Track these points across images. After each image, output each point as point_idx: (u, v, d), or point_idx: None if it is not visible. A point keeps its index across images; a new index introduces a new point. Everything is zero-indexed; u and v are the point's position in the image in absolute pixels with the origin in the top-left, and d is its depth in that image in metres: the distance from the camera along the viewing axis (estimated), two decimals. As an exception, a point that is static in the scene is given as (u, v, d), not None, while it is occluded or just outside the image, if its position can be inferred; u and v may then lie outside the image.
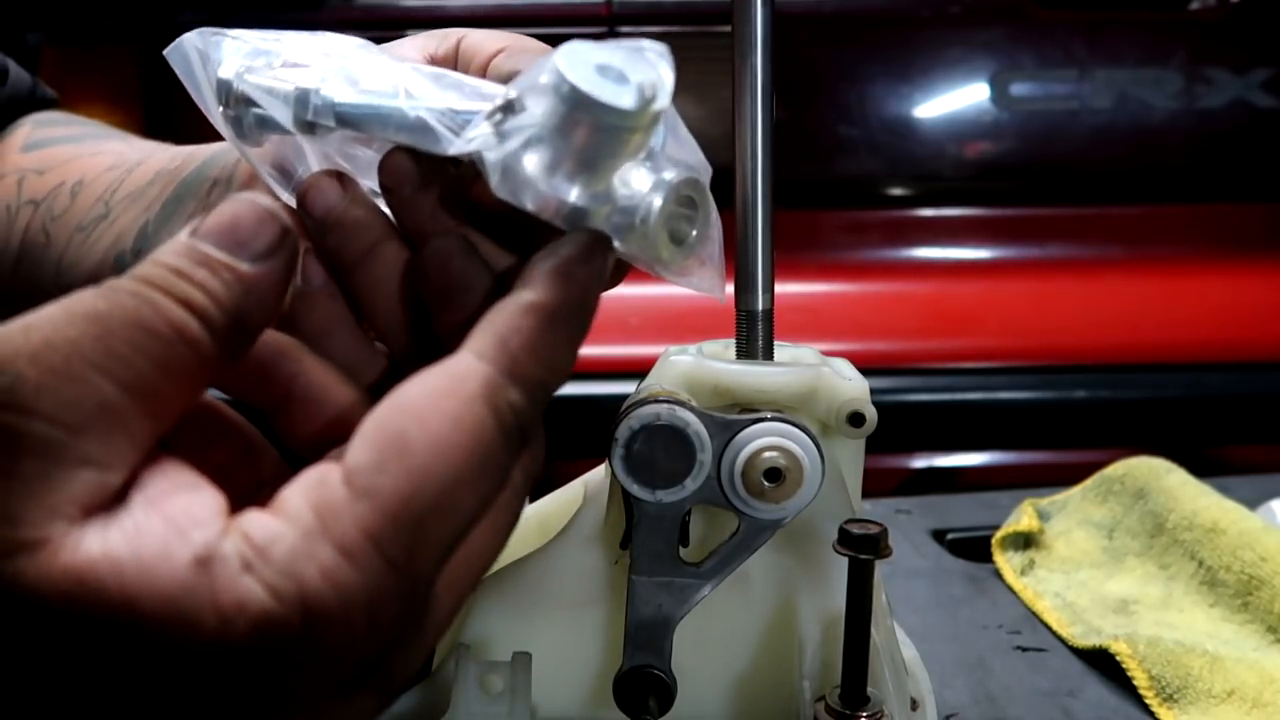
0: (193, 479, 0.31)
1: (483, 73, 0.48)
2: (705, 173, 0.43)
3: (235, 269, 0.31)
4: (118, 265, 0.55)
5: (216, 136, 0.48)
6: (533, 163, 0.38)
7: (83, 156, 0.63)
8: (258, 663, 0.29)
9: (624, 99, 0.37)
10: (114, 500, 0.29)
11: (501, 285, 0.38)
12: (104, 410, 0.28)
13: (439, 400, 0.31)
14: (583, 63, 0.38)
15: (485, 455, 0.32)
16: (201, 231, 0.32)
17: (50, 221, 0.60)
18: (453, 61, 0.50)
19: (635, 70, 0.38)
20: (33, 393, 0.27)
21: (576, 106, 0.37)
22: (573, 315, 0.35)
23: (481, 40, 0.49)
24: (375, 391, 0.36)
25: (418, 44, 0.51)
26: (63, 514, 0.28)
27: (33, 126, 0.68)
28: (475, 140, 0.39)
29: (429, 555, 0.31)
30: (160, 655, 0.28)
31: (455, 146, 0.40)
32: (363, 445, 0.31)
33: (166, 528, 0.29)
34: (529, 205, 0.38)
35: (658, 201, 0.40)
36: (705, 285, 0.44)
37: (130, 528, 0.28)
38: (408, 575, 0.30)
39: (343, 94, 0.43)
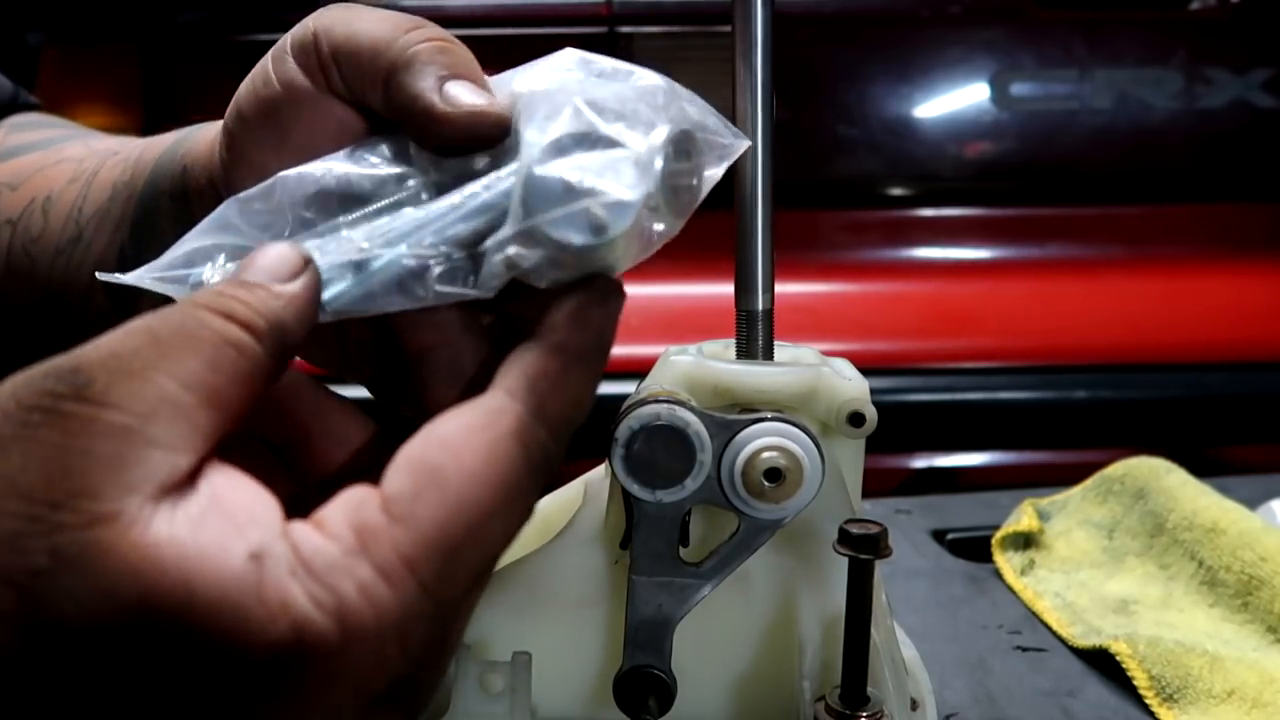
0: (254, 483, 0.33)
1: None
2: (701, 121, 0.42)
3: (269, 287, 0.35)
4: (109, 292, 0.56)
5: None
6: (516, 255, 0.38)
7: (47, 167, 0.62)
8: (293, 663, 0.30)
9: (572, 234, 0.37)
10: (183, 484, 0.31)
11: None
12: (166, 400, 0.31)
13: (473, 436, 0.34)
14: (554, 147, 0.37)
15: (515, 490, 0.34)
16: (234, 267, 0.36)
17: (30, 244, 0.60)
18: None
19: (604, 177, 0.37)
20: (104, 388, 0.31)
21: (532, 232, 0.37)
22: (592, 356, 0.38)
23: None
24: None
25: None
26: (137, 490, 0.30)
27: (7, 131, 0.68)
28: (469, 287, 0.39)
29: (459, 581, 0.33)
30: (205, 638, 0.30)
31: (447, 297, 0.39)
32: (400, 474, 0.33)
33: (226, 521, 0.31)
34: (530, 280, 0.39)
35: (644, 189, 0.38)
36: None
37: (195, 514, 0.31)
38: (438, 599, 0.32)
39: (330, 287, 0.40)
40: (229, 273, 0.41)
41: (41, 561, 0.29)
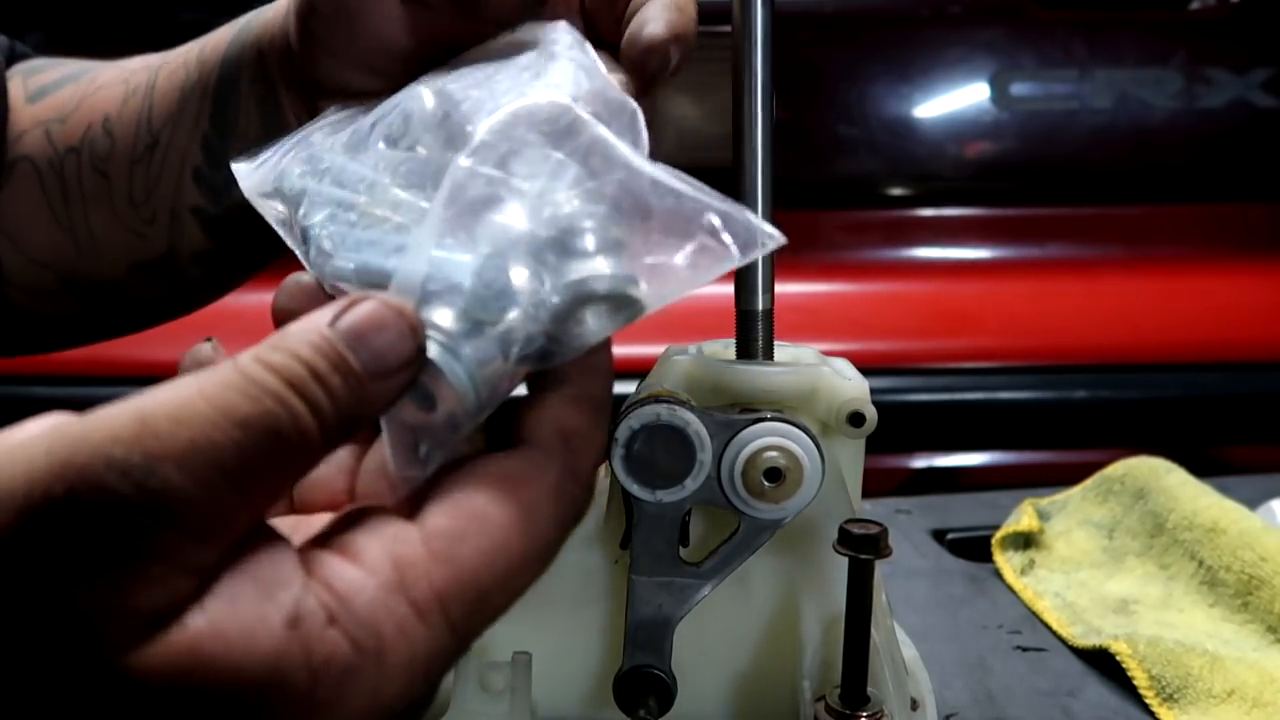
0: (266, 533, 0.32)
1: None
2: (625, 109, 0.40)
3: (364, 382, 0.31)
4: (199, 181, 0.58)
5: None
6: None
7: (89, 96, 0.63)
8: (338, 707, 0.31)
9: (448, 408, 0.34)
10: (208, 584, 0.31)
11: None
12: (228, 521, 0.30)
13: (516, 489, 0.34)
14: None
15: (548, 544, 0.35)
16: (343, 329, 0.31)
17: (101, 163, 0.60)
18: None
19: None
20: (175, 503, 0.28)
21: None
22: (609, 401, 0.38)
23: None
24: None
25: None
26: (175, 605, 0.29)
27: (24, 76, 0.68)
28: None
29: (483, 623, 0.34)
30: (262, 712, 0.30)
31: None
32: (443, 514, 0.33)
33: (257, 591, 0.30)
34: None
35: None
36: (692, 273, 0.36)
37: (227, 596, 0.30)
38: (463, 637, 0.33)
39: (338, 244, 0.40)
40: (338, 270, 0.38)
41: (82, 684, 0.28)
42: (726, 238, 0.35)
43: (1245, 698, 0.65)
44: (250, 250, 0.60)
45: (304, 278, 0.42)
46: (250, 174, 0.48)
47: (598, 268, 0.34)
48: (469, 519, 0.33)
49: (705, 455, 0.50)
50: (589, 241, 0.35)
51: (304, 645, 0.30)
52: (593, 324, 0.34)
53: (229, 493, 0.29)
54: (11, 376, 1.32)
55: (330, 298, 0.40)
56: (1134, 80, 1.64)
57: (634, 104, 0.40)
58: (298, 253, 0.43)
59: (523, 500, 0.34)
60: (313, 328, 0.31)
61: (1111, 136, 1.65)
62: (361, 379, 0.31)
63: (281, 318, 0.41)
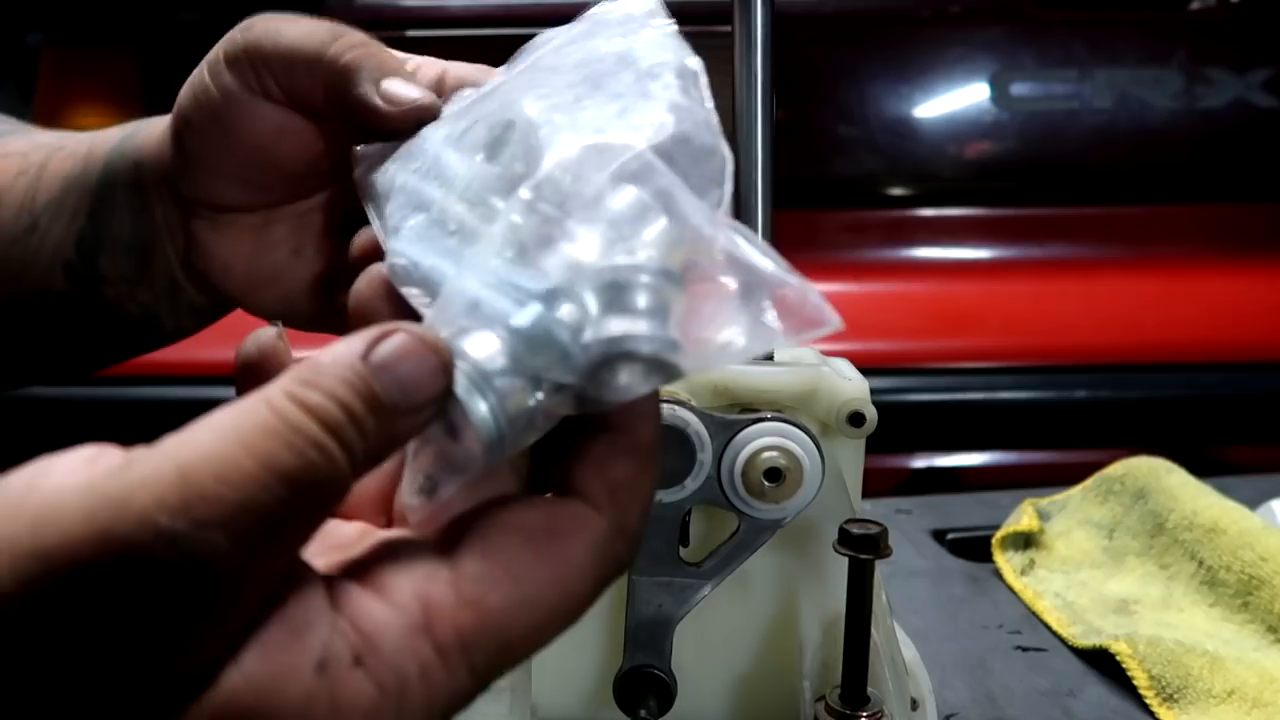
0: (295, 570, 0.32)
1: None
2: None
3: (394, 420, 0.31)
4: (69, 274, 0.58)
5: None
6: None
7: None
8: None
9: (470, 444, 0.32)
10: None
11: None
12: (268, 580, 0.29)
13: (556, 541, 0.33)
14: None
15: (582, 599, 0.34)
16: (376, 364, 0.31)
17: None
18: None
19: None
20: (223, 570, 0.28)
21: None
22: (658, 448, 0.36)
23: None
24: None
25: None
26: (214, 664, 0.29)
27: None
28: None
29: (504, 669, 0.33)
30: None
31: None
32: (476, 558, 0.33)
33: (287, 635, 0.30)
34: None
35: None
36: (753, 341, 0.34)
37: (258, 645, 0.30)
38: (482, 682, 0.33)
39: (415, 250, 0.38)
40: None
41: None
42: (785, 321, 0.34)
43: (1245, 698, 0.65)
44: (117, 343, 0.60)
45: (381, 269, 0.41)
46: (368, 155, 0.47)
47: (639, 329, 0.33)
48: (504, 567, 0.32)
49: (705, 455, 0.50)
50: (640, 299, 0.33)
51: (330, 691, 0.30)
52: (625, 380, 0.33)
53: (272, 552, 0.29)
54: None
55: (399, 301, 0.39)
56: (1134, 80, 1.64)
57: (725, 151, 0.37)
58: (379, 236, 0.43)
59: (561, 556, 0.33)
60: (346, 363, 0.31)
61: (1111, 136, 1.65)
62: (392, 415, 0.31)
63: (357, 312, 0.41)
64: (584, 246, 0.34)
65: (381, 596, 0.32)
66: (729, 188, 0.37)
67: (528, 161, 0.38)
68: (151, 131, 0.57)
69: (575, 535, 0.33)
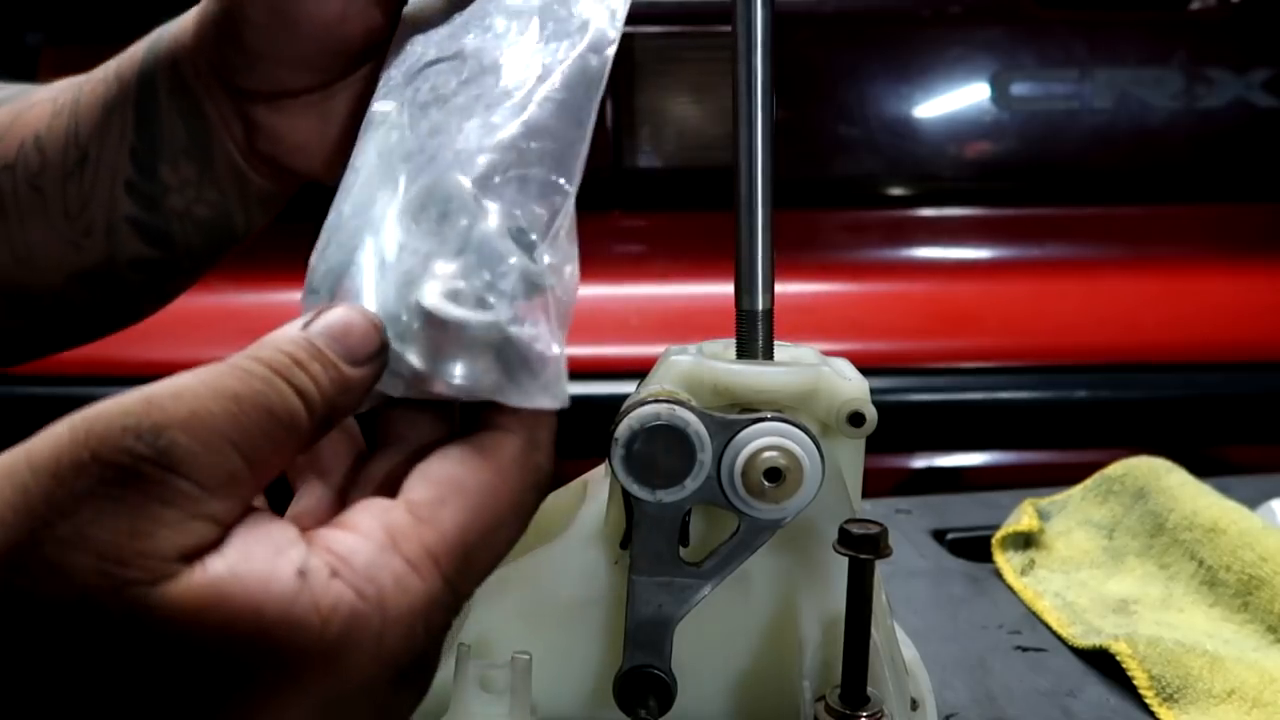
0: (267, 513, 0.36)
1: None
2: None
3: (340, 369, 0.37)
4: (132, 192, 0.59)
5: None
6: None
7: (21, 114, 0.64)
8: (346, 653, 0.34)
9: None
10: (222, 538, 0.35)
11: None
12: (232, 477, 0.34)
13: (485, 459, 0.39)
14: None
15: (520, 503, 0.39)
16: (317, 328, 0.37)
17: (34, 179, 0.61)
18: None
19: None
20: (182, 456, 0.33)
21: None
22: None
23: None
24: None
25: None
26: (189, 551, 0.33)
27: None
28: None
29: (473, 578, 0.38)
30: (280, 653, 0.33)
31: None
32: (422, 485, 0.38)
33: (269, 548, 0.34)
34: None
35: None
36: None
37: (242, 549, 0.34)
38: (457, 591, 0.37)
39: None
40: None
41: (114, 614, 0.32)
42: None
43: (1245, 698, 0.65)
44: (190, 255, 0.61)
45: None
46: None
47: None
48: (446, 487, 0.37)
49: (705, 455, 0.50)
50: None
51: (312, 593, 0.33)
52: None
53: (229, 453, 0.34)
54: (10, 376, 1.32)
55: None
56: (1134, 80, 1.64)
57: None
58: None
59: (493, 468, 0.38)
60: (289, 335, 0.37)
61: (1111, 136, 1.65)
62: (339, 366, 0.37)
63: None
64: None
65: (350, 531, 0.36)
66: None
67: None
68: (182, 32, 0.57)
69: (497, 451, 0.39)
